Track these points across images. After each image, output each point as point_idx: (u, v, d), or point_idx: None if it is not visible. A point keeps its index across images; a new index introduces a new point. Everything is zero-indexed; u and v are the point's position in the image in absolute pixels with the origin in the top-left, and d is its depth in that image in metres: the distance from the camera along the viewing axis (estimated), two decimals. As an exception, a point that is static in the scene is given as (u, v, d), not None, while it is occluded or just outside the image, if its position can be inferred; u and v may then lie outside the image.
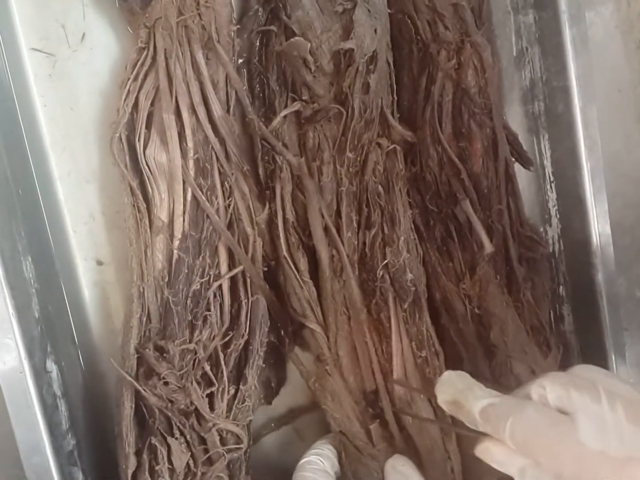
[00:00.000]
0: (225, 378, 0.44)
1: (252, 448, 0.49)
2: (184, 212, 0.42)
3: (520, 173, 0.52)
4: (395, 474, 0.43)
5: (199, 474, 0.41)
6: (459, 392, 0.34)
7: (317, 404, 0.50)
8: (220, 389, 0.44)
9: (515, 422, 0.31)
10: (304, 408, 0.50)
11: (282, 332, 0.48)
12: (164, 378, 0.41)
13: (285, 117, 0.46)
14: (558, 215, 0.52)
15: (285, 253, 0.47)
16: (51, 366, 0.42)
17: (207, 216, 0.43)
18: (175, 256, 0.42)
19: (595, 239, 0.49)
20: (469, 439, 0.45)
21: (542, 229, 0.53)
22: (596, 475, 0.29)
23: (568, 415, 0.30)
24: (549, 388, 0.32)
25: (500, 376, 0.47)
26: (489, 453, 0.32)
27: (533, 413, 0.31)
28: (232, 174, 0.44)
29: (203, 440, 0.44)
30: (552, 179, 0.51)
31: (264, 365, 0.48)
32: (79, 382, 0.46)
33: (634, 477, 0.28)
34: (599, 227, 0.49)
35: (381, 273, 0.46)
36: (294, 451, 0.49)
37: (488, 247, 0.45)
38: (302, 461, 0.43)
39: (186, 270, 0.43)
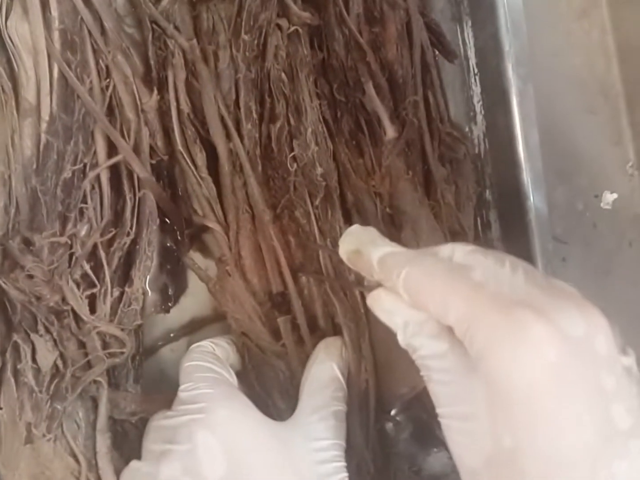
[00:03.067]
0: (107, 278, 0.41)
1: (148, 360, 0.46)
2: (51, 91, 0.38)
3: (445, 67, 0.49)
4: (324, 354, 0.41)
5: (68, 375, 0.38)
6: (362, 242, 0.33)
7: (221, 315, 0.47)
8: (103, 291, 0.41)
9: (411, 269, 0.29)
10: (207, 319, 0.47)
11: (178, 235, 0.45)
12: (28, 271, 0.37)
13: (175, -5, 0.42)
14: (483, 112, 0.48)
15: (180, 147, 0.43)
16: None
17: (79, 97, 0.39)
18: (43, 140, 0.39)
19: (519, 134, 0.45)
20: (386, 342, 0.43)
21: (467, 128, 0.49)
22: (484, 315, 0.26)
23: (468, 267, 0.29)
24: (458, 248, 0.30)
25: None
26: (379, 301, 0.31)
27: (432, 261, 0.30)
28: (110, 52, 0.40)
29: (82, 344, 0.40)
30: (476, 70, 0.47)
31: (160, 271, 0.45)
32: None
33: (522, 319, 0.26)
34: (524, 122, 0.45)
35: (294, 167, 0.42)
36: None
37: (390, 132, 0.41)
38: (192, 346, 0.40)
39: (55, 157, 0.39)
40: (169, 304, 0.46)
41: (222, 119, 0.42)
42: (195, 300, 0.47)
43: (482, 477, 0.27)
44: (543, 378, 0.25)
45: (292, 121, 0.42)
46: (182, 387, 0.38)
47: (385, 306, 0.31)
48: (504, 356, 0.25)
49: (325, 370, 0.39)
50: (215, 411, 0.35)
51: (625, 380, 0.26)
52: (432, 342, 0.29)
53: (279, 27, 0.42)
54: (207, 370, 0.38)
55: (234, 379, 0.39)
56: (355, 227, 0.35)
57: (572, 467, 0.25)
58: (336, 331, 0.43)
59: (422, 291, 0.29)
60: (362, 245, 0.33)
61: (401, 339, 0.30)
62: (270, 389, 0.41)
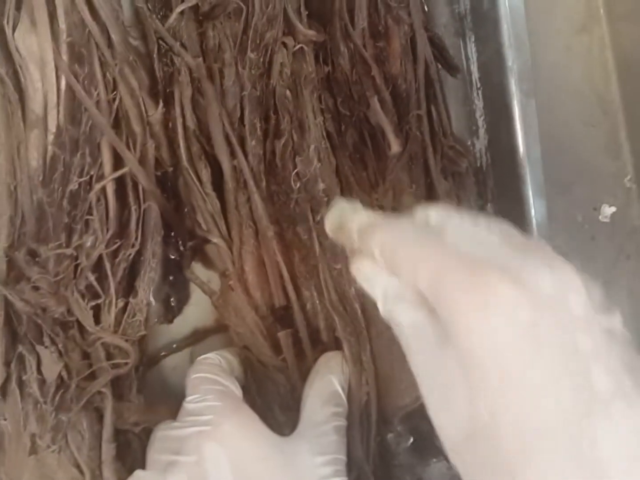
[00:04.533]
0: (112, 289, 0.41)
1: (151, 370, 0.46)
2: (58, 103, 0.38)
3: (448, 82, 0.49)
4: (325, 369, 0.41)
5: (73, 386, 0.38)
6: (344, 214, 0.33)
7: (224, 326, 0.47)
8: (107, 301, 0.41)
9: (385, 234, 0.29)
10: (210, 329, 0.47)
11: (181, 246, 0.45)
12: (34, 282, 0.37)
13: (183, 14, 0.42)
14: (485, 126, 0.48)
15: (186, 163, 0.43)
16: None
17: (86, 109, 0.39)
18: (49, 152, 0.39)
19: (521, 148, 0.45)
20: (389, 353, 0.44)
21: (469, 142, 0.49)
22: (450, 278, 0.25)
23: (441, 230, 0.28)
24: (433, 211, 0.30)
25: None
26: (361, 269, 0.30)
27: (405, 225, 0.30)
28: (116, 64, 0.40)
29: (87, 355, 0.41)
30: (478, 85, 0.48)
31: (163, 282, 0.45)
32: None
33: (488, 279, 0.24)
34: (527, 136, 0.46)
35: (298, 184, 0.43)
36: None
37: (395, 146, 0.41)
38: (198, 358, 0.40)
39: (62, 169, 0.39)
40: (172, 315, 0.46)
41: (226, 136, 0.42)
42: (198, 311, 0.47)
43: (462, 450, 0.26)
44: (513, 339, 0.24)
45: (295, 138, 0.43)
46: (188, 398, 0.38)
47: (366, 275, 0.30)
48: (471, 319, 0.24)
49: (326, 386, 0.39)
50: (222, 423, 0.35)
51: (604, 341, 0.25)
52: (410, 311, 0.28)
53: (285, 45, 0.42)
54: (214, 382, 0.38)
55: (239, 392, 0.39)
56: (340, 201, 0.34)
57: (551, 433, 0.23)
58: (338, 344, 0.43)
59: (395, 257, 0.28)
60: (344, 217, 0.33)
61: (381, 308, 0.29)
62: (272, 402, 0.41)
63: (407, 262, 0.27)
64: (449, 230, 0.28)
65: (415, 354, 0.27)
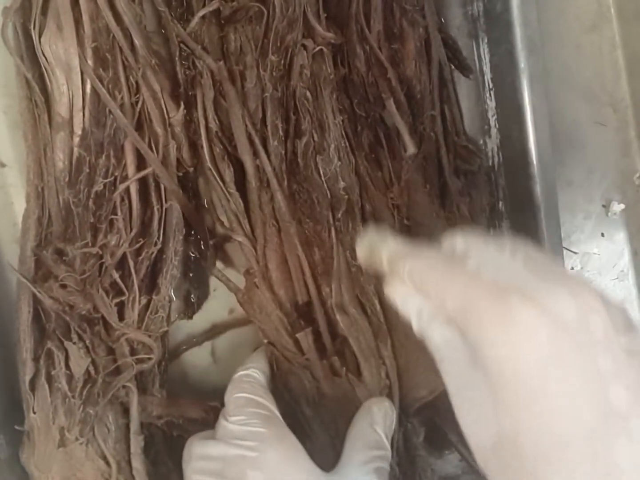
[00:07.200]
0: (135, 287, 0.42)
1: (171, 364, 0.47)
2: (83, 107, 0.40)
3: (460, 82, 0.50)
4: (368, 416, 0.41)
5: (100, 381, 0.39)
6: (374, 242, 0.35)
7: (242, 321, 0.48)
8: (131, 298, 0.42)
9: (413, 262, 0.30)
10: (228, 324, 0.48)
11: (202, 245, 0.46)
12: (61, 280, 0.39)
13: (204, 18, 0.43)
14: (497, 126, 0.49)
15: (209, 164, 0.44)
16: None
17: (111, 112, 0.40)
18: (75, 154, 0.40)
19: (533, 147, 0.46)
20: (405, 346, 0.45)
21: (481, 141, 0.50)
22: (476, 304, 0.27)
23: (467, 257, 0.30)
24: (459, 237, 0.31)
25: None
26: (394, 292, 0.32)
27: (431, 252, 0.31)
28: (139, 68, 0.41)
29: (112, 350, 0.42)
30: (491, 86, 0.48)
31: (183, 279, 0.46)
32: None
33: (510, 304, 0.26)
34: (538, 136, 0.46)
35: (321, 182, 0.43)
36: (213, 370, 0.48)
37: (411, 148, 0.42)
38: (239, 373, 0.40)
39: (88, 170, 0.40)
40: (192, 311, 0.47)
41: (249, 136, 0.43)
42: (216, 306, 0.48)
43: (490, 457, 0.28)
44: (533, 360, 0.25)
45: (316, 137, 0.43)
46: (232, 418, 0.37)
47: (400, 295, 0.32)
48: (495, 341, 0.26)
49: (368, 432, 0.40)
50: (266, 452, 0.35)
51: (625, 360, 0.26)
52: (442, 330, 0.29)
53: (305, 47, 0.43)
54: (258, 405, 0.38)
55: (277, 410, 0.39)
56: (369, 231, 0.36)
57: (568, 446, 0.25)
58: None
59: (424, 283, 0.30)
60: (374, 245, 0.34)
61: (415, 327, 0.31)
62: (298, 397, 0.42)
63: (434, 288, 0.29)
64: (473, 256, 0.29)
65: (447, 369, 0.29)
